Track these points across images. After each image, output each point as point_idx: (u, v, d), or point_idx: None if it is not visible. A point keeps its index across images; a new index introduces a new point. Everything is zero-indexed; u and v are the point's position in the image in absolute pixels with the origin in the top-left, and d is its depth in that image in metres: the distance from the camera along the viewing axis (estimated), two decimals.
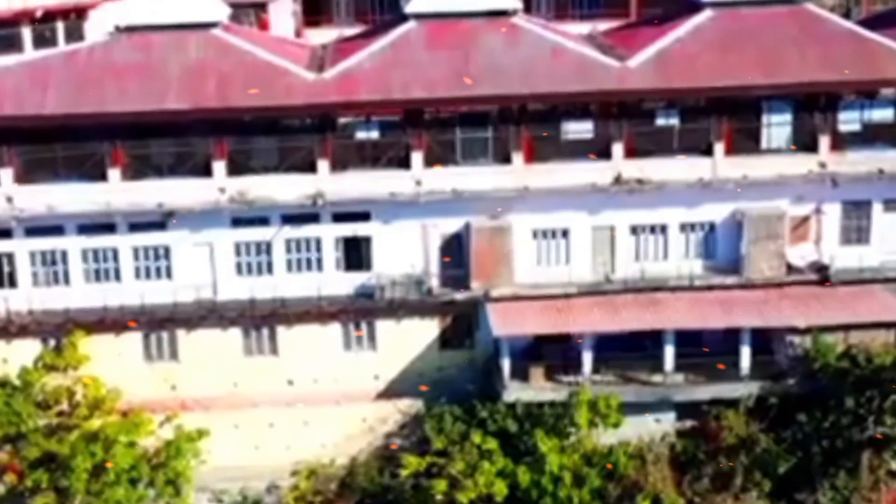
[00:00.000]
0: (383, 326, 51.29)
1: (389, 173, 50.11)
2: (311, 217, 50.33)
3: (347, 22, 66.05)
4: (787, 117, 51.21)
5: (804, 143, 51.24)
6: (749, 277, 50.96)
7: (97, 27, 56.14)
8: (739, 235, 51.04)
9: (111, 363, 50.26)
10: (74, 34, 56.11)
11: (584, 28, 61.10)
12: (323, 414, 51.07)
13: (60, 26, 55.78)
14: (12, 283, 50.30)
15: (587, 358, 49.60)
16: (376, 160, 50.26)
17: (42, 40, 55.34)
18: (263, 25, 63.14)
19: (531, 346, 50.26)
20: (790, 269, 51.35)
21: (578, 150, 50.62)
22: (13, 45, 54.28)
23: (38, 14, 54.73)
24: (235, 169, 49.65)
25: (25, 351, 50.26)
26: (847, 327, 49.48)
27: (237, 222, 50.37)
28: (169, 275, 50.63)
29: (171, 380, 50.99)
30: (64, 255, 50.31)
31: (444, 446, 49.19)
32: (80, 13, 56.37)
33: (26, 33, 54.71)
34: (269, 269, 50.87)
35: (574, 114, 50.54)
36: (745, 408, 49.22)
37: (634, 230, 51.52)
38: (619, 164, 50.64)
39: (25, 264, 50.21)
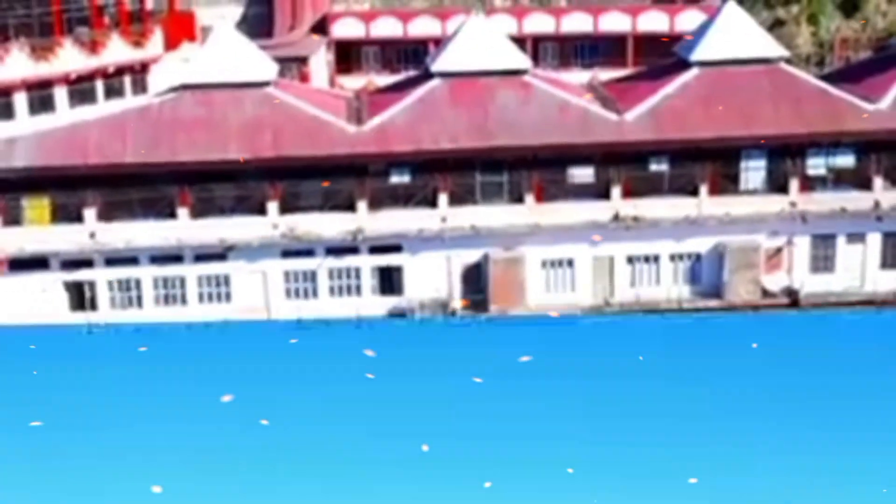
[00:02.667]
0: None
1: (419, 212, 55.11)
2: (350, 249, 55.16)
3: (375, 69, 72.76)
4: (763, 163, 55.70)
5: (778, 185, 55.87)
6: (730, 301, 55.31)
7: (157, 78, 61.94)
8: (721, 265, 55.48)
9: None
10: (139, 85, 61.73)
11: (585, 76, 66.93)
12: None
13: (127, 79, 61.36)
14: (93, 306, 55.25)
15: None
16: (407, 200, 55.61)
17: (111, 91, 61.02)
18: (304, 77, 69.03)
19: None
20: (765, 293, 55.71)
21: (582, 192, 55.39)
22: (87, 97, 60.03)
23: (111, 70, 60.48)
24: (286, 208, 54.61)
25: None
26: None
27: (287, 254, 55.23)
28: (228, 299, 55.62)
29: None
30: (138, 282, 55.13)
31: None
32: (144, 67, 62.02)
33: (99, 86, 60.35)
34: (315, 294, 55.57)
35: (578, 161, 54.94)
36: None
37: (630, 260, 55.98)
38: (617, 203, 55.19)
39: (105, 290, 55.07)
